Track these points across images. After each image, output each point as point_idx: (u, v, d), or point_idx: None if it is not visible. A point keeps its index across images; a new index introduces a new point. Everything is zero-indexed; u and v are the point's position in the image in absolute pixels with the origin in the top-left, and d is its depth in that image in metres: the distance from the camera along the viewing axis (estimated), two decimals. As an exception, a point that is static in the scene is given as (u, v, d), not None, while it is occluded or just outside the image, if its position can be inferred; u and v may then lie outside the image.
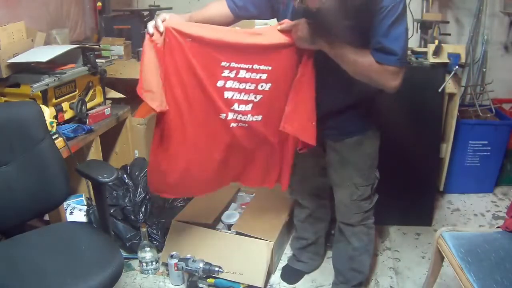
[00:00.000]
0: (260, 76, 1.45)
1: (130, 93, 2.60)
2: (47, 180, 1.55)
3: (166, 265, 2.02)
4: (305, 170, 1.81)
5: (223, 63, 1.43)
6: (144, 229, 2.02)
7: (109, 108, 2.24)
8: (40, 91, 1.80)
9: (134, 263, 2.12)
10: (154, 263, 2.04)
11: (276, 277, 2.04)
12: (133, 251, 2.10)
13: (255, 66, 1.44)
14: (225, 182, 1.72)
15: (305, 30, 1.32)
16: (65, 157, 1.74)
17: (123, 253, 2.08)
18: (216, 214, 2.14)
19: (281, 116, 1.52)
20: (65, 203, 2.08)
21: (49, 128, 1.70)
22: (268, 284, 1.99)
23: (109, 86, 2.40)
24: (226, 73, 1.44)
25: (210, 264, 1.83)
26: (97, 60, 2.13)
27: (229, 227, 2.11)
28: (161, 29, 1.39)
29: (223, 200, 2.28)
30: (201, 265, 1.83)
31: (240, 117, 1.52)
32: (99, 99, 2.23)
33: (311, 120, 1.48)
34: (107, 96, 2.33)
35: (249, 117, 1.52)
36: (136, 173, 2.22)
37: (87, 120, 2.08)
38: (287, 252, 2.19)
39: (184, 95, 1.47)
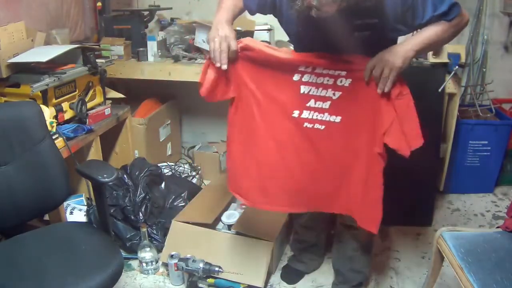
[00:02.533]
0: (339, 73, 1.37)
1: (130, 93, 2.61)
2: (47, 180, 1.55)
3: (166, 265, 2.02)
4: None
5: (300, 68, 1.39)
6: (144, 229, 2.02)
7: (109, 108, 2.24)
8: (40, 91, 1.81)
9: (134, 263, 2.12)
10: (154, 263, 2.04)
11: (276, 277, 2.04)
12: (133, 251, 2.10)
13: (332, 68, 1.38)
14: (304, 200, 1.57)
15: (379, 67, 1.30)
16: (65, 157, 1.74)
17: (123, 253, 2.07)
18: (216, 214, 2.14)
19: (363, 123, 1.41)
20: (65, 203, 2.08)
21: (49, 128, 1.71)
22: (268, 284, 1.99)
23: (109, 86, 2.40)
24: (302, 68, 1.39)
25: (210, 264, 1.83)
26: (97, 60, 2.14)
27: (229, 227, 2.11)
28: (225, 66, 1.37)
29: (223, 200, 2.28)
30: (201, 265, 1.83)
31: (317, 116, 1.42)
32: (99, 99, 2.23)
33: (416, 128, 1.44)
34: (107, 96, 2.33)
35: (326, 117, 1.42)
36: (136, 173, 2.22)
37: (87, 120, 2.08)
38: (287, 252, 2.19)
39: (256, 96, 1.44)
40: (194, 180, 2.67)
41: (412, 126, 1.41)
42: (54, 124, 1.84)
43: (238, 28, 1.46)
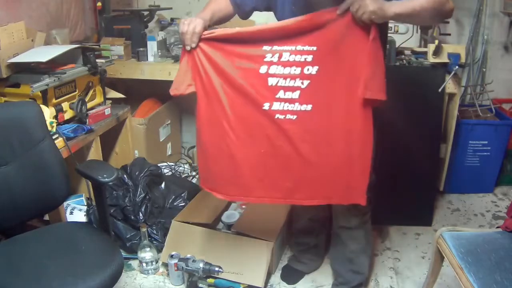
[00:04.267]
0: (305, 58, 1.38)
1: (130, 93, 2.61)
2: (47, 180, 1.55)
3: (166, 265, 2.02)
4: None
5: (264, 47, 1.39)
6: (144, 229, 2.02)
7: (109, 108, 2.24)
8: (40, 91, 1.80)
9: (134, 263, 2.12)
10: (154, 263, 2.04)
11: (276, 277, 2.04)
12: (133, 251, 2.10)
13: (299, 47, 1.37)
14: (278, 192, 1.55)
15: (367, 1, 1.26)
16: (65, 157, 1.74)
17: (123, 253, 2.07)
18: (216, 214, 2.14)
19: (335, 106, 1.41)
20: (65, 203, 2.08)
21: (49, 128, 1.70)
22: (268, 284, 1.99)
23: (109, 86, 2.40)
24: (268, 57, 1.40)
25: (210, 264, 1.83)
26: (97, 60, 2.14)
27: (229, 227, 2.11)
28: (194, 46, 1.42)
29: (223, 200, 2.27)
30: (201, 265, 1.83)
31: (287, 107, 1.42)
32: (99, 99, 2.23)
33: (383, 79, 1.38)
34: (107, 96, 2.33)
35: (296, 106, 1.42)
36: (136, 173, 2.22)
37: (87, 120, 2.08)
38: (287, 252, 2.19)
39: (225, 89, 1.45)
40: (194, 180, 2.67)
41: (380, 73, 1.37)
42: (54, 124, 1.84)
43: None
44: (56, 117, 1.91)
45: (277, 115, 1.43)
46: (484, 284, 1.29)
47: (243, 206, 2.29)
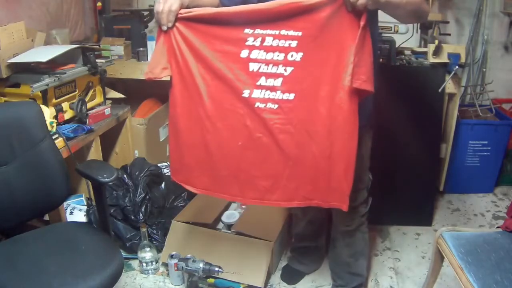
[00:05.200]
0: (290, 44, 1.29)
1: (130, 93, 2.61)
2: (47, 180, 1.55)
3: (166, 265, 2.02)
4: None
5: (246, 30, 1.30)
6: (144, 229, 2.02)
7: (109, 108, 2.24)
8: (40, 91, 1.80)
9: (134, 263, 2.12)
10: (154, 263, 2.04)
11: (276, 277, 2.04)
12: (133, 251, 2.10)
13: (283, 32, 1.28)
14: (254, 191, 1.45)
15: None
16: (65, 157, 1.74)
17: (123, 253, 2.07)
18: (216, 214, 2.14)
19: (319, 96, 1.32)
20: (65, 203, 2.08)
21: (49, 128, 1.70)
22: (268, 284, 1.99)
23: (109, 86, 2.40)
24: (250, 41, 1.31)
25: (210, 264, 1.83)
26: (97, 60, 2.14)
27: (229, 227, 2.11)
28: (170, 25, 1.33)
29: (223, 200, 2.28)
30: (201, 265, 1.83)
31: (269, 95, 1.33)
32: (99, 99, 2.23)
33: (371, 69, 1.29)
34: (107, 96, 2.33)
35: (278, 95, 1.33)
36: (136, 173, 2.22)
37: (87, 120, 2.08)
38: (287, 252, 2.19)
39: (202, 73, 1.36)
40: (194, 180, 2.67)
41: (367, 63, 1.28)
42: (54, 124, 1.84)
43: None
44: (56, 117, 1.91)
45: (257, 104, 1.35)
46: (484, 284, 1.29)
47: (243, 206, 2.29)
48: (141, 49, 2.55)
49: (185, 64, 1.38)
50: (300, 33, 1.28)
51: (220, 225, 2.16)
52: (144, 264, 2.03)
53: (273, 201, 1.47)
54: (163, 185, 2.39)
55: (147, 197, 2.17)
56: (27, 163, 1.52)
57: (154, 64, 1.39)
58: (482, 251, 1.43)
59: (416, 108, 2.20)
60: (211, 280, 1.92)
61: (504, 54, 2.89)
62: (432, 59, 2.20)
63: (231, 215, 2.17)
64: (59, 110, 1.94)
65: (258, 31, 1.30)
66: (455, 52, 2.19)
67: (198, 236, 2.03)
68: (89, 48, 2.12)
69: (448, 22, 2.70)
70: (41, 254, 1.41)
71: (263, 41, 1.31)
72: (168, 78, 1.44)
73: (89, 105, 2.12)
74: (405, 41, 2.37)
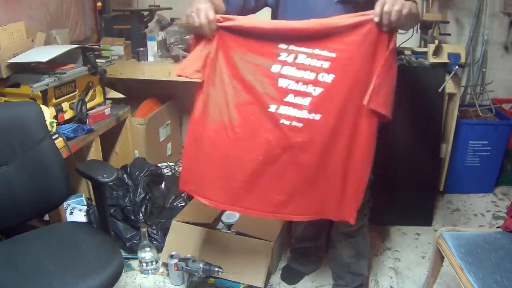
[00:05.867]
0: (322, 64, 1.28)
1: (130, 93, 2.61)
2: (47, 180, 1.55)
3: (166, 265, 2.02)
4: None
5: (280, 45, 1.30)
6: (144, 229, 2.02)
7: (109, 108, 2.24)
8: (40, 91, 1.81)
9: (134, 263, 2.12)
10: (154, 263, 2.04)
11: (276, 277, 2.04)
12: (133, 251, 2.10)
13: (317, 51, 1.28)
14: (268, 205, 1.43)
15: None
16: (65, 157, 1.74)
17: (123, 253, 2.07)
18: (216, 214, 2.14)
19: (344, 120, 1.31)
20: (65, 203, 2.08)
21: (49, 128, 1.70)
22: (268, 284, 1.99)
23: (109, 86, 2.40)
24: (283, 56, 1.30)
25: (210, 264, 1.83)
26: (97, 60, 2.14)
27: (229, 227, 2.11)
28: (213, 33, 1.33)
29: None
30: (201, 265, 1.83)
31: (295, 113, 1.32)
32: (99, 99, 2.23)
33: (390, 94, 1.31)
34: (107, 96, 2.33)
35: (305, 114, 1.31)
36: (136, 173, 2.22)
37: (87, 120, 2.08)
38: (287, 252, 2.19)
39: (232, 82, 1.35)
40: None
41: (389, 86, 1.31)
42: (54, 124, 1.84)
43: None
44: (56, 117, 1.91)
45: (282, 120, 1.34)
46: (484, 284, 1.29)
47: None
48: (141, 49, 2.55)
49: (219, 71, 1.37)
50: (334, 55, 1.27)
51: (220, 225, 2.16)
52: (144, 264, 2.03)
53: (286, 215, 1.47)
54: (163, 185, 2.39)
55: (147, 197, 2.17)
56: (27, 163, 1.52)
57: (188, 64, 1.39)
58: (482, 251, 1.43)
59: (416, 108, 2.20)
60: (211, 280, 1.92)
61: (504, 54, 2.89)
62: (432, 59, 2.20)
63: (231, 215, 2.17)
64: (59, 110, 1.94)
65: (292, 47, 1.30)
66: (455, 52, 2.19)
67: (198, 236, 2.03)
68: (89, 48, 2.12)
69: (448, 22, 2.70)
70: (41, 254, 1.41)
71: (295, 58, 1.30)
72: (197, 80, 1.42)
73: (89, 105, 2.13)
74: (405, 41, 2.37)
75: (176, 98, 2.99)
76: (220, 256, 1.91)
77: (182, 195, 2.34)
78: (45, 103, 1.85)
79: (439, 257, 1.58)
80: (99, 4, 2.62)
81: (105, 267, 1.33)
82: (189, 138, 1.50)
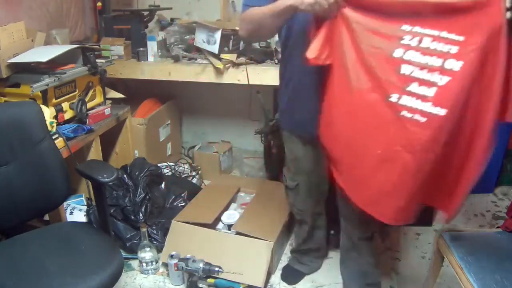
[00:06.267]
0: (449, 50, 1.11)
1: (130, 93, 2.61)
2: (47, 180, 1.55)
3: (166, 265, 2.02)
4: (308, 176, 1.74)
5: (404, 27, 1.15)
6: (144, 229, 2.02)
7: (109, 108, 2.24)
8: (40, 91, 1.81)
9: (134, 263, 2.12)
10: (154, 263, 2.04)
11: (276, 277, 2.04)
12: (133, 251, 2.10)
13: (443, 34, 1.12)
14: (413, 200, 1.26)
15: None
16: (65, 157, 1.75)
17: (123, 253, 2.07)
18: (216, 214, 2.14)
19: (468, 116, 1.15)
20: (65, 203, 2.08)
21: (49, 128, 1.71)
22: (268, 284, 1.99)
23: (109, 86, 2.40)
24: (406, 39, 1.15)
25: (210, 264, 1.83)
26: (97, 60, 2.14)
27: (229, 227, 2.11)
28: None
29: (223, 200, 2.28)
30: (201, 265, 1.83)
31: (418, 105, 1.15)
32: (99, 99, 2.24)
33: None
34: (107, 96, 2.33)
35: (428, 107, 1.13)
36: (136, 173, 2.22)
37: (87, 120, 2.08)
38: (287, 252, 2.19)
39: (356, 66, 1.23)
40: (194, 180, 2.67)
41: None
42: (54, 124, 1.84)
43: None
44: (56, 117, 1.91)
45: (404, 112, 1.17)
46: (484, 284, 1.30)
47: (243, 206, 2.29)
48: (141, 49, 2.55)
49: (343, 55, 1.25)
50: (462, 38, 1.10)
51: (220, 225, 2.16)
52: (144, 264, 2.03)
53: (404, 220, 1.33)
54: (163, 185, 2.39)
55: (147, 197, 2.17)
56: (27, 163, 1.52)
57: (318, 49, 1.28)
58: (482, 251, 1.43)
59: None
60: (211, 280, 1.92)
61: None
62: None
63: (231, 215, 2.17)
64: (59, 110, 1.94)
65: (416, 29, 1.15)
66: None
67: (198, 236, 2.03)
68: (89, 48, 2.12)
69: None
70: (41, 254, 1.41)
71: (420, 41, 1.15)
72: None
73: (89, 105, 2.13)
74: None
75: (176, 98, 2.99)
76: (220, 256, 1.91)
77: (182, 195, 2.34)
78: (45, 103, 1.85)
79: (439, 257, 1.58)
80: (99, 4, 2.62)
81: (105, 267, 1.33)
82: (329, 125, 1.38)
